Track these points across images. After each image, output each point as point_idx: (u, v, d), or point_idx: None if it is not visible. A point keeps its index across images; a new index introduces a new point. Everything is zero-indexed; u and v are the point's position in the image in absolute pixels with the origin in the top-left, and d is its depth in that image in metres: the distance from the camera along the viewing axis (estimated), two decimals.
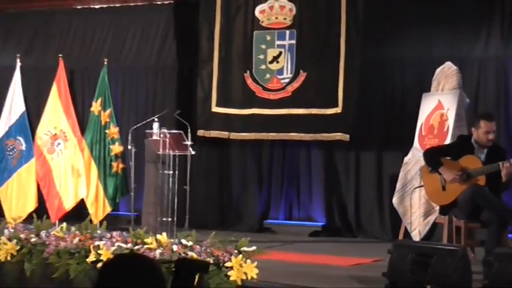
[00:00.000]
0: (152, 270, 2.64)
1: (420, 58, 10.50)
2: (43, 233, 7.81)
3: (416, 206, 9.05)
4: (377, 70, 10.75)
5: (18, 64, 11.52)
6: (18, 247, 7.74)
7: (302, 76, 10.69)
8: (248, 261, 6.70)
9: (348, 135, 10.38)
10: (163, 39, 12.12)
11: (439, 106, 9.20)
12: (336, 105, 10.42)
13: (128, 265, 2.68)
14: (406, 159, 9.36)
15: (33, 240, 7.77)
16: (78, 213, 10.49)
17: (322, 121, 10.53)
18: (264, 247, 7.42)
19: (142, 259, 2.81)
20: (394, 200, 9.35)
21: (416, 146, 9.26)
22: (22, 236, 7.83)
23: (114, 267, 2.68)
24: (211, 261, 6.72)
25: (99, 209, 10.80)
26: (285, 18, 10.85)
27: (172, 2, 12.03)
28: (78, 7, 12.59)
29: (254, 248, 6.98)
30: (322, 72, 10.60)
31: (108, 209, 10.85)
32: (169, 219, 9.29)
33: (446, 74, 9.22)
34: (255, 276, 6.63)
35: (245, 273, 6.62)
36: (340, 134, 10.41)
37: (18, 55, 11.68)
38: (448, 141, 8.75)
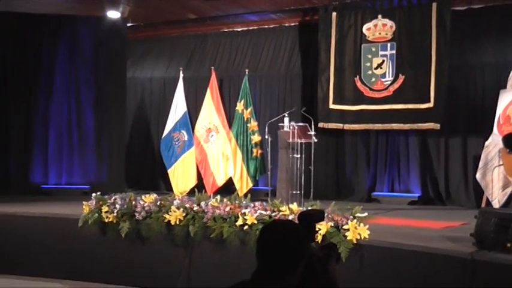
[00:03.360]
0: (296, 229, 2.76)
1: (497, 61, 10.29)
2: (202, 203, 7.86)
3: (496, 180, 8.86)
4: (462, 72, 10.62)
5: (181, 75, 11.64)
6: (184, 214, 7.82)
7: (401, 79, 10.64)
8: (361, 224, 6.70)
9: (438, 125, 10.30)
10: (290, 53, 12.24)
11: None
12: (429, 101, 10.33)
13: (280, 226, 2.83)
14: (487, 143, 9.16)
15: (195, 208, 7.84)
16: (228, 188, 10.63)
17: (418, 114, 10.45)
18: (373, 213, 7.40)
19: (289, 222, 2.96)
20: (478, 176, 9.19)
21: (495, 132, 9.07)
22: (187, 205, 7.91)
23: (272, 228, 2.80)
24: (332, 225, 6.77)
25: (243, 185, 10.87)
26: (386, 34, 10.82)
27: (297, 24, 12.15)
28: (225, 30, 12.89)
29: (365, 214, 6.99)
30: (417, 75, 10.51)
31: (250, 185, 10.89)
32: (298, 192, 9.35)
33: None
34: (366, 236, 6.63)
35: (359, 234, 6.62)
36: (432, 123, 10.33)
37: (181, 68, 11.83)
38: None
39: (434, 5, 10.37)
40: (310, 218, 2.95)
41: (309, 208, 6.91)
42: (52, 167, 11.95)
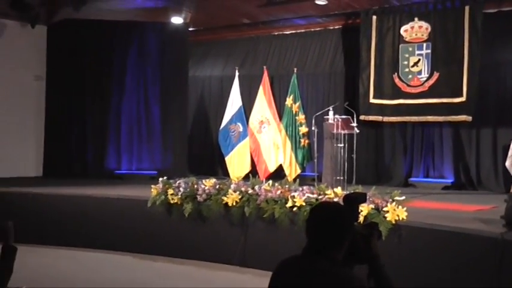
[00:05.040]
0: (342, 210, 2.76)
1: None
2: (256, 187, 7.89)
3: None
4: (492, 69, 10.39)
5: (237, 74, 11.68)
6: (240, 196, 7.86)
7: (436, 75, 10.48)
8: (399, 207, 6.65)
9: (470, 117, 10.12)
10: (334, 53, 12.16)
11: None
12: (462, 96, 10.15)
13: (328, 207, 2.83)
14: None
15: (250, 191, 7.87)
16: (278, 174, 10.64)
17: (451, 107, 10.28)
18: (410, 197, 7.30)
19: (336, 204, 2.96)
20: (507, 163, 8.88)
21: None
22: (242, 189, 7.95)
23: (320, 209, 2.80)
24: (373, 207, 6.74)
25: (292, 171, 10.86)
26: (422, 35, 10.67)
27: (340, 27, 12.05)
28: (276, 33, 12.85)
29: (403, 197, 6.92)
30: (451, 72, 10.32)
31: (298, 171, 10.87)
32: (342, 177, 9.30)
33: None
34: (404, 218, 6.57)
35: (397, 215, 6.57)
36: (464, 116, 10.16)
37: (236, 68, 11.86)
38: None
39: (467, 8, 10.18)
40: (354, 200, 2.93)
41: (353, 191, 6.88)
42: (124, 155, 12.17)
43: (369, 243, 2.80)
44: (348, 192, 7.30)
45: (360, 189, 7.34)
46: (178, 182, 8.43)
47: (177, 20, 11.79)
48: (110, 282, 7.03)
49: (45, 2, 11.18)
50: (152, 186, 8.53)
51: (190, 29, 12.50)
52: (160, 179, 8.59)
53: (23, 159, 11.93)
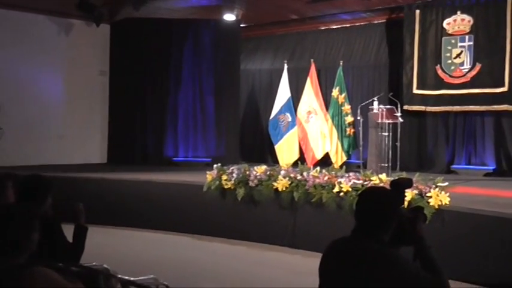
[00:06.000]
0: (389, 194, 2.80)
1: None
2: (304, 173, 7.90)
3: None
4: None
5: (285, 67, 11.64)
6: (289, 182, 7.88)
7: (478, 67, 10.25)
8: (442, 192, 6.59)
9: None
10: (378, 46, 12.00)
11: None
12: (503, 86, 9.93)
13: (376, 191, 2.89)
14: None
15: (298, 177, 7.87)
16: (325, 162, 10.54)
17: (493, 97, 10.06)
18: (452, 183, 7.22)
19: (383, 188, 2.98)
20: None
21: None
22: (292, 175, 7.96)
23: (369, 193, 2.84)
24: (416, 193, 6.67)
25: (338, 158, 10.78)
26: (464, 27, 10.44)
27: (384, 21, 11.89)
28: (322, 28, 12.77)
29: (446, 183, 6.86)
30: (492, 63, 10.09)
31: (344, 159, 10.79)
32: (386, 164, 9.26)
33: None
34: (447, 203, 6.53)
35: (440, 201, 6.52)
36: (506, 105, 9.95)
37: (285, 61, 11.82)
38: None
39: (509, 1, 9.93)
40: (400, 185, 2.95)
41: (398, 177, 6.82)
42: (181, 143, 12.31)
43: (414, 226, 2.82)
44: (392, 178, 7.26)
45: (403, 175, 7.23)
46: (231, 168, 8.50)
47: (229, 17, 11.84)
48: (170, 260, 7.18)
49: (108, 2, 11.43)
50: (207, 172, 8.64)
51: (242, 25, 12.53)
52: (215, 165, 8.67)
53: (89, 147, 12.25)
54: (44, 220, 2.80)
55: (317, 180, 7.67)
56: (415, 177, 7.02)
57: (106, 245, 7.23)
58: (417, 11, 10.93)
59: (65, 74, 11.85)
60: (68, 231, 3.91)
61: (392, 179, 6.74)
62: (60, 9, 11.45)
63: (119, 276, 3.41)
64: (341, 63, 11.23)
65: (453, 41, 10.57)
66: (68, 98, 11.86)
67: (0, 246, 2.52)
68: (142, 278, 3.66)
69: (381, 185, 6.98)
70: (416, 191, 6.68)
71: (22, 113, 10.93)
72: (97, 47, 12.35)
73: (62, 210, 3.91)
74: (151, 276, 3.86)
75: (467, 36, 10.42)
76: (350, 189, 7.29)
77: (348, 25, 12.44)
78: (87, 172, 10.12)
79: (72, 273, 3.05)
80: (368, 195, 2.81)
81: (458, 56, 10.48)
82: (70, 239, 3.92)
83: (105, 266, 3.88)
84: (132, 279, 3.40)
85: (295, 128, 11.28)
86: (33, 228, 2.62)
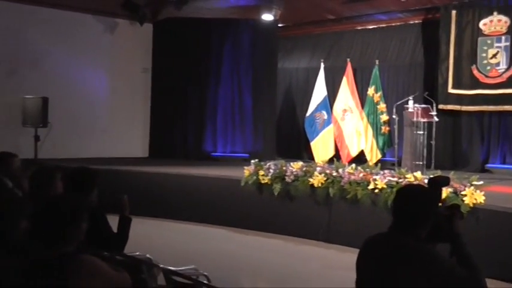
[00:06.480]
0: (426, 191, 2.78)
1: None
2: (340, 170, 7.87)
3: None
4: None
5: (322, 66, 11.65)
6: (325, 178, 7.86)
7: None
8: (477, 191, 6.50)
9: None
10: (414, 46, 11.80)
11: None
12: None
13: (414, 189, 2.86)
14: None
15: (334, 174, 7.85)
16: (360, 159, 10.58)
17: None
18: (487, 182, 7.09)
19: (420, 186, 2.94)
20: None
21: None
22: (327, 171, 7.94)
23: (406, 190, 2.82)
24: (451, 191, 6.58)
25: (373, 156, 10.76)
26: (501, 28, 10.18)
27: (420, 21, 11.69)
28: (359, 28, 12.60)
29: (481, 182, 6.75)
30: None
31: (379, 156, 10.76)
32: (421, 162, 9.10)
33: None
34: (482, 201, 6.44)
35: (475, 199, 6.43)
36: None
37: (322, 60, 11.82)
38: None
39: None
40: (438, 183, 2.93)
41: (433, 175, 6.74)
42: (219, 139, 12.37)
43: (451, 223, 2.78)
44: (427, 176, 7.17)
45: (438, 173, 7.15)
46: (268, 164, 8.52)
47: (267, 17, 11.83)
48: (208, 251, 7.24)
49: (151, 2, 11.56)
50: (245, 167, 8.65)
51: (279, 25, 12.50)
52: (252, 161, 8.68)
53: (132, 141, 12.40)
54: (91, 210, 2.85)
55: (352, 177, 7.62)
56: (450, 175, 6.86)
57: (148, 236, 7.32)
58: (453, 12, 10.71)
59: (109, 71, 12.03)
60: (112, 221, 3.97)
61: (427, 177, 6.75)
62: (106, 9, 11.63)
63: (161, 265, 3.45)
64: (377, 63, 11.14)
65: (489, 42, 10.33)
66: (112, 94, 12.04)
67: (51, 235, 2.58)
68: (183, 268, 3.70)
69: (416, 182, 6.88)
70: (451, 189, 6.59)
71: (69, 108, 11.13)
72: (140, 46, 12.50)
73: (106, 201, 3.98)
74: (192, 266, 3.89)
75: (503, 37, 10.16)
76: (385, 187, 7.24)
77: (384, 25, 12.27)
78: (130, 165, 10.26)
79: (117, 262, 3.11)
80: (406, 192, 2.79)
81: (494, 56, 10.24)
82: (114, 229, 3.99)
83: (147, 255, 3.94)
84: (173, 268, 3.44)
85: (331, 125, 11.28)
86: (82, 218, 2.68)
